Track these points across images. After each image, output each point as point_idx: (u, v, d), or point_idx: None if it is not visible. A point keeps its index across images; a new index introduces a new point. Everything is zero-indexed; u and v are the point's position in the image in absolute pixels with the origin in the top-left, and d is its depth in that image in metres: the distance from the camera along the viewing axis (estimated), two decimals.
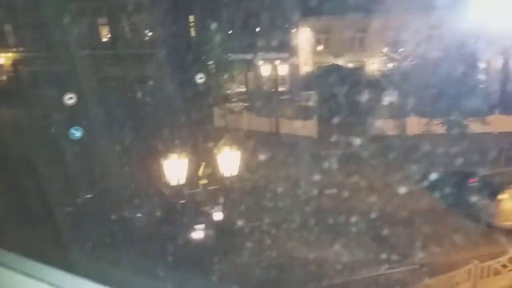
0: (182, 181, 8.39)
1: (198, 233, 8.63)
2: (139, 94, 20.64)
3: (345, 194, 11.64)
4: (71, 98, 17.78)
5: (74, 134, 15.07)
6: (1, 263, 1.77)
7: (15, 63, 25.62)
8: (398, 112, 17.88)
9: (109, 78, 21.13)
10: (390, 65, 19.26)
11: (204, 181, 9.75)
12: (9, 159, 11.24)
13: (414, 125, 17.68)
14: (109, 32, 24.75)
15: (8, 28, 24.91)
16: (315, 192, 11.29)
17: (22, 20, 21.41)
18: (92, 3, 22.90)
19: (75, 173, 12.26)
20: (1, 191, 10.37)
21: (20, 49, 25.11)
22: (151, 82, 21.91)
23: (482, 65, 18.25)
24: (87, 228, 9.46)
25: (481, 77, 18.35)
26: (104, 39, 24.91)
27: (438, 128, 16.48)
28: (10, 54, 25.89)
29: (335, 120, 15.49)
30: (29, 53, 23.92)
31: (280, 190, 11.45)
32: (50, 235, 6.92)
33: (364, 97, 17.48)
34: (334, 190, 11.72)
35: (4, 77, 26.38)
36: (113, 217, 10.32)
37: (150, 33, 24.00)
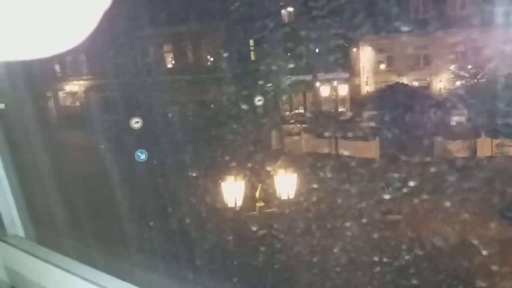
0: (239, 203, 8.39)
1: None
2: (200, 118, 21.17)
3: (410, 221, 10.96)
4: (137, 122, 18.65)
5: (140, 157, 15.76)
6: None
7: (87, 90, 27.32)
8: (468, 133, 16.86)
9: (172, 103, 21.91)
10: (458, 83, 18.37)
11: (261, 203, 9.67)
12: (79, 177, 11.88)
13: (486, 146, 16.54)
14: (174, 59, 25.81)
15: (82, 57, 26.70)
16: (376, 219, 10.69)
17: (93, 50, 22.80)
18: (160, 32, 23.95)
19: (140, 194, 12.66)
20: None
21: (92, 76, 26.77)
22: (212, 106, 22.41)
23: None
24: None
25: None
26: (169, 65, 26.02)
27: None
28: (82, 82, 27.68)
29: (399, 141, 14.85)
30: (100, 81, 25.41)
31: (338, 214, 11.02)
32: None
33: (431, 117, 16.71)
34: (398, 217, 11.07)
35: (78, 103, 28.20)
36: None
37: (212, 59, 24.73)
